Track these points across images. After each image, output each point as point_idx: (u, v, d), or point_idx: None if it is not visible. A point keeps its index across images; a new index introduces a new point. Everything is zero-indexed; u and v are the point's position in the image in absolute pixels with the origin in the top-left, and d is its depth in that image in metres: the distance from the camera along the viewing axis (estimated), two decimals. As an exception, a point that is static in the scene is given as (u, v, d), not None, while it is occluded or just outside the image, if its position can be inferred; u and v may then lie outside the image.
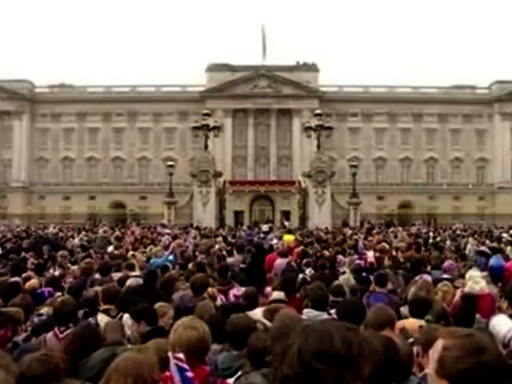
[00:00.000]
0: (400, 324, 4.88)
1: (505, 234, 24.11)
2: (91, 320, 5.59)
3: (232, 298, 6.75)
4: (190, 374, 2.78)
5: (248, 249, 14.81)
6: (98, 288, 6.88)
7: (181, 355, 2.89)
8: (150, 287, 7.14)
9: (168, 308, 5.48)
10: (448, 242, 18.89)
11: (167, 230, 23.20)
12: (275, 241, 16.93)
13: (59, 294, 7.61)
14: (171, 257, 12.93)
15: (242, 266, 12.16)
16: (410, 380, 3.22)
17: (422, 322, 4.97)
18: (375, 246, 14.22)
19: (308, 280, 9.02)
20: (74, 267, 10.54)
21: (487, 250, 14.61)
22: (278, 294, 6.74)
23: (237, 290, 6.56)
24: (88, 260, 10.99)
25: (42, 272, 10.10)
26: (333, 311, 5.74)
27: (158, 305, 5.39)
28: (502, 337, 3.47)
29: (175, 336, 3.47)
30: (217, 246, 15.28)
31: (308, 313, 5.67)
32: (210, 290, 7.06)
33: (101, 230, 25.15)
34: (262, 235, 22.99)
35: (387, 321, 4.13)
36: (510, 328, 3.46)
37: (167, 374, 2.74)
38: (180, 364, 2.75)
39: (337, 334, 1.43)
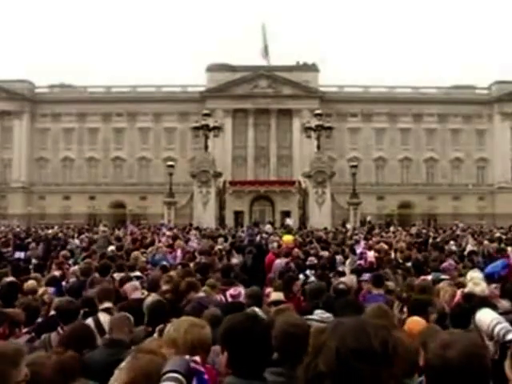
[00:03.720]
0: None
1: (498, 234, 24.10)
2: (92, 319, 5.59)
3: (229, 299, 6.72)
4: (206, 377, 2.75)
5: (249, 249, 14.80)
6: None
7: (197, 358, 2.85)
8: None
9: None
10: (452, 243, 18.79)
11: (168, 232, 23.15)
12: (275, 244, 16.80)
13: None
14: (158, 256, 12.95)
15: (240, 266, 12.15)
16: (414, 379, 3.24)
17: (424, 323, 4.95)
18: (375, 246, 14.22)
19: (312, 280, 9.03)
20: (75, 267, 10.53)
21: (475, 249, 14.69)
22: (277, 295, 6.74)
23: (233, 290, 6.54)
24: (88, 260, 11.00)
25: (42, 272, 10.10)
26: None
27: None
28: (486, 328, 3.49)
29: (192, 336, 3.22)
30: (218, 247, 15.27)
31: (320, 314, 5.65)
32: (208, 289, 7.06)
33: (100, 229, 25.13)
34: (264, 235, 22.92)
35: (390, 323, 4.13)
36: (492, 318, 3.48)
37: None
38: (196, 367, 2.72)
39: (373, 333, 1.43)
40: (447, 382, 1.80)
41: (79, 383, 3.08)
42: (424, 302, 5.84)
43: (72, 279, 9.39)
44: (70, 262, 12.63)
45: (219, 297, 7.15)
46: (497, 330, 3.40)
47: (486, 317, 3.55)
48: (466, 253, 15.30)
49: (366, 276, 8.40)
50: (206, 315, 4.74)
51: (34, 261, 12.88)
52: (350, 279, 8.67)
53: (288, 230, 25.91)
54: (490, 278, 7.16)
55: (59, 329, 5.02)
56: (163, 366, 2.70)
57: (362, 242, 16.50)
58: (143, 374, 2.81)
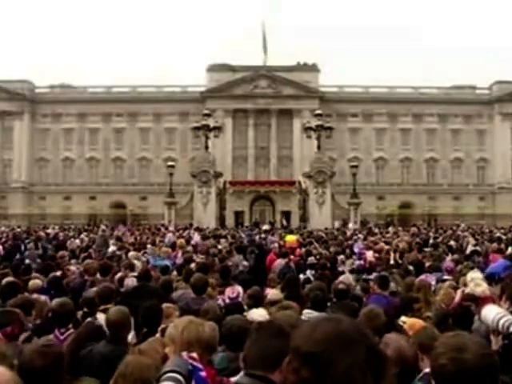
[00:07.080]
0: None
1: (498, 234, 24.11)
2: (91, 320, 5.59)
3: (227, 300, 6.69)
4: (203, 374, 2.75)
5: (251, 250, 14.79)
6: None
7: (194, 354, 2.87)
8: (147, 287, 7.14)
9: (173, 309, 5.49)
10: (453, 243, 18.78)
11: (171, 228, 23.15)
12: (276, 244, 16.76)
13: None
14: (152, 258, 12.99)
15: (241, 267, 12.13)
16: (413, 383, 3.23)
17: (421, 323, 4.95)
18: (375, 247, 14.23)
19: (311, 280, 9.02)
20: (73, 267, 10.51)
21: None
22: (276, 295, 6.72)
23: (231, 292, 6.51)
24: (88, 261, 10.96)
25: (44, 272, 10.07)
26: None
27: (164, 305, 5.39)
28: (491, 322, 3.55)
29: (189, 333, 3.23)
30: (219, 247, 15.27)
31: (308, 314, 5.65)
32: (209, 290, 7.05)
33: (100, 229, 25.17)
34: (263, 235, 22.92)
35: (381, 325, 4.13)
36: (496, 313, 3.56)
37: None
38: (194, 363, 2.72)
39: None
40: None
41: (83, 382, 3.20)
42: (409, 298, 5.87)
43: (71, 279, 9.39)
44: (73, 261, 12.63)
45: (221, 297, 7.12)
46: (501, 322, 3.47)
47: (490, 312, 3.61)
48: (468, 252, 15.32)
49: (372, 276, 8.40)
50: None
51: (27, 261, 12.80)
52: (347, 278, 8.67)
53: (290, 230, 25.98)
54: (490, 279, 7.15)
55: (56, 331, 5.01)
56: (150, 367, 2.77)
57: (360, 242, 16.52)
58: (121, 376, 3.02)
